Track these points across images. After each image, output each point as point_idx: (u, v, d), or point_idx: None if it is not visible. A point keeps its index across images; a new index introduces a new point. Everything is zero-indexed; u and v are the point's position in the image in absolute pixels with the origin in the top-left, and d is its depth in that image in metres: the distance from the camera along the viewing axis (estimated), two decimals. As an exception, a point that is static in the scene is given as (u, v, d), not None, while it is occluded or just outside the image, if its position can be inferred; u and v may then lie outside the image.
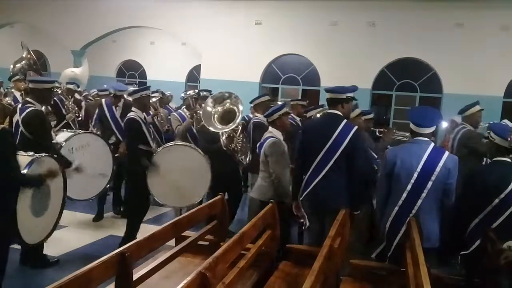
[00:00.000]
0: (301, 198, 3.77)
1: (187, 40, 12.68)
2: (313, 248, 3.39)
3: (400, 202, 3.23)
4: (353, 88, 3.94)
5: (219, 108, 5.04)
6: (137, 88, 5.70)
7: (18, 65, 6.57)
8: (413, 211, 3.18)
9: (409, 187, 3.20)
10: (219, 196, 3.63)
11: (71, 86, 6.97)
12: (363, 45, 10.33)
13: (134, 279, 2.38)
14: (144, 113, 4.97)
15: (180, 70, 14.70)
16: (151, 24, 12.24)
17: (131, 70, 15.81)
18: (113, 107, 5.81)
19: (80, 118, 6.77)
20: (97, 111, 6.06)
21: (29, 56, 6.77)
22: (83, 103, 7.22)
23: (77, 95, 7.32)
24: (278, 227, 3.63)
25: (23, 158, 3.50)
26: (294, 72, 11.61)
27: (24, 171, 3.37)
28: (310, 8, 10.60)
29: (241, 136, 5.19)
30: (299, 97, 11.34)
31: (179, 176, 4.85)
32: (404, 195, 3.22)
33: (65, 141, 4.84)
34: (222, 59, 11.27)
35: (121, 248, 2.34)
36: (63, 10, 12.59)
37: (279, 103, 6.98)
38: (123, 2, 11.81)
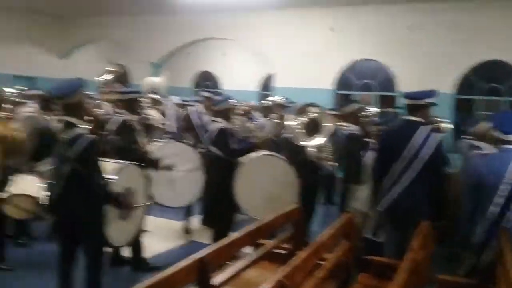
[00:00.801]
0: (380, 208, 3.63)
1: (259, 49, 12.83)
2: (394, 260, 3.24)
3: (490, 215, 3.01)
4: (433, 93, 3.74)
5: (303, 119, 4.92)
6: (221, 98, 5.75)
7: (106, 79, 6.97)
8: (505, 224, 2.95)
9: (499, 199, 2.97)
10: (296, 205, 3.60)
11: (154, 96, 7.26)
12: (443, 47, 9.81)
13: (213, 284, 2.41)
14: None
15: (253, 79, 14.90)
16: (224, 36, 12.54)
17: (205, 81, 16.29)
18: (200, 116, 5.91)
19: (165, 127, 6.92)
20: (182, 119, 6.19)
21: (115, 70, 7.16)
22: (169, 111, 7.42)
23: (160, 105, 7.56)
24: (356, 237, 3.52)
25: (112, 165, 3.70)
26: (369, 77, 11.31)
27: (114, 177, 3.56)
28: (385, 12, 10.28)
29: (329, 144, 5.03)
30: (375, 103, 11.03)
31: (267, 186, 4.82)
32: (494, 207, 2.99)
33: (157, 149, 4.95)
34: (295, 66, 11.26)
35: (200, 254, 2.38)
36: (142, 26, 13.32)
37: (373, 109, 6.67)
38: (196, 16, 12.22)
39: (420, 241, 2.91)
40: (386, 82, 10.99)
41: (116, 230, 3.67)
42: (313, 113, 4.89)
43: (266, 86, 14.74)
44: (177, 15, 12.46)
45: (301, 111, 4.92)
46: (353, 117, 5.34)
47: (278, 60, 11.69)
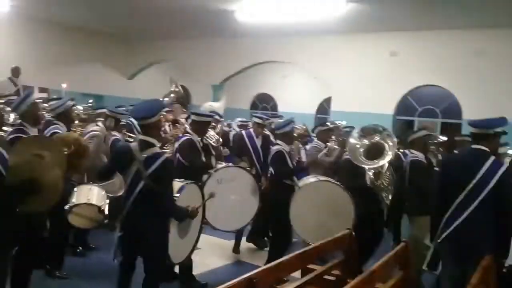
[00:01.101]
0: (439, 240, 3.46)
1: (318, 73, 12.85)
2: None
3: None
4: (504, 122, 3.53)
5: (366, 141, 4.69)
6: (284, 122, 5.63)
7: (167, 98, 7.18)
8: None
9: None
10: (347, 231, 3.52)
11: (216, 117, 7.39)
12: (511, 74, 9.34)
13: (260, 306, 2.39)
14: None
15: (310, 103, 14.92)
16: (284, 59, 12.71)
17: (263, 103, 16.51)
18: (255, 138, 5.87)
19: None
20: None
21: (177, 89, 7.37)
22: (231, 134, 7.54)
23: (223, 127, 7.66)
24: (412, 268, 3.37)
25: (175, 184, 3.84)
26: (432, 104, 10.95)
27: (177, 195, 3.70)
28: (452, 37, 9.98)
29: (388, 172, 4.82)
30: (438, 130, 10.67)
31: (322, 211, 4.79)
32: None
33: (215, 171, 4.98)
34: (353, 90, 11.15)
35: (249, 273, 2.37)
36: (204, 48, 13.78)
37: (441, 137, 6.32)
38: (257, 39, 12.47)
39: (480, 277, 2.73)
40: (450, 109, 10.60)
41: (175, 247, 3.76)
42: (377, 137, 4.70)
43: (323, 109, 14.69)
44: (238, 38, 12.79)
45: (366, 133, 4.74)
46: (420, 145, 5.06)
47: (336, 84, 11.63)
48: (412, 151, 5.05)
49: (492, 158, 3.36)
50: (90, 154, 4.45)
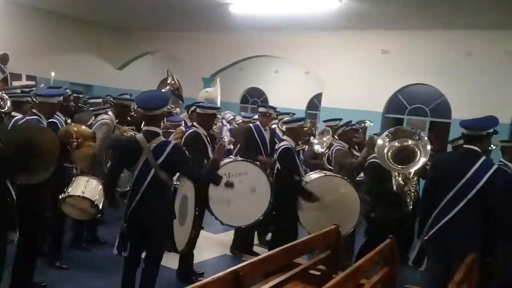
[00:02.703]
0: (425, 237, 3.48)
1: (310, 69, 12.86)
2: (436, 292, 3.10)
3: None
4: (496, 122, 3.54)
5: (396, 144, 4.43)
6: (295, 118, 5.60)
7: (163, 90, 7.13)
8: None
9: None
10: (333, 226, 3.52)
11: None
12: (501, 75, 9.43)
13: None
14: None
15: (301, 98, 14.91)
16: (276, 54, 12.67)
17: (254, 97, 16.48)
18: (263, 130, 5.73)
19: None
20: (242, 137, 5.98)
21: (172, 82, 7.32)
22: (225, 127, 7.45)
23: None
24: (397, 264, 3.39)
25: None
26: (422, 102, 11.02)
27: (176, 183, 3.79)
28: (443, 37, 10.03)
29: (415, 178, 4.69)
30: (427, 129, 10.73)
31: (329, 206, 4.80)
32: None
33: (223, 165, 4.81)
34: (344, 87, 11.18)
35: (235, 267, 2.37)
36: (197, 41, 13.70)
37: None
38: (251, 34, 12.43)
39: (463, 274, 2.76)
40: (440, 108, 10.68)
41: (177, 235, 3.78)
42: (410, 140, 4.41)
43: (314, 105, 14.71)
44: (231, 32, 12.74)
45: (397, 135, 4.48)
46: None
47: (327, 80, 11.66)
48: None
49: (483, 158, 3.39)
50: (97, 141, 4.40)
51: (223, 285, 2.23)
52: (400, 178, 4.37)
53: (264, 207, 4.96)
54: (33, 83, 10.77)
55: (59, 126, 4.33)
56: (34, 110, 4.04)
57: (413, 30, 10.32)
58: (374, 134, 5.53)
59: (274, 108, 6.14)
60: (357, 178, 5.33)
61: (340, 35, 11.26)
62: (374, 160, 4.63)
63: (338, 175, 5.06)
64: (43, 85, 7.76)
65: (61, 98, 4.14)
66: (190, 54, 13.99)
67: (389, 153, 4.37)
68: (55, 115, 4.38)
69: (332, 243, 3.48)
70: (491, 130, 3.48)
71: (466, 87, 9.77)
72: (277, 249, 2.89)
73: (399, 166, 4.26)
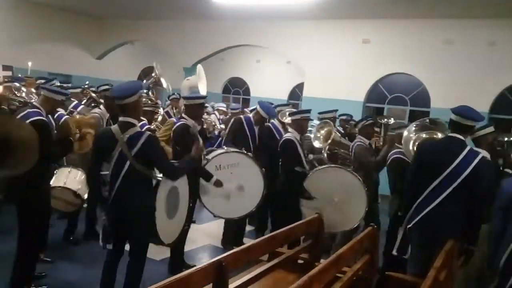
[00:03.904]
0: (409, 226, 3.53)
1: (292, 59, 12.85)
2: (416, 278, 3.16)
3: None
4: (481, 117, 3.57)
5: (423, 135, 4.31)
6: (299, 110, 5.46)
7: (146, 82, 7.12)
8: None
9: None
10: (316, 215, 3.55)
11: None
12: (480, 65, 9.59)
13: (229, 289, 2.40)
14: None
15: (283, 88, 14.94)
16: (258, 43, 12.63)
17: (236, 87, 16.43)
18: (254, 125, 5.54)
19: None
20: (230, 127, 5.76)
21: (155, 75, 7.31)
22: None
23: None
24: (377, 252, 3.45)
25: None
26: (402, 92, 11.14)
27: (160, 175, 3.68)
28: (423, 26, 10.14)
29: None
30: (406, 118, 10.87)
31: (334, 200, 4.70)
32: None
33: (214, 157, 4.80)
34: (325, 77, 11.22)
35: (219, 257, 2.37)
36: (177, 30, 13.54)
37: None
38: (233, 23, 12.34)
39: (443, 260, 2.82)
40: (419, 97, 10.82)
41: (164, 228, 3.74)
42: (439, 133, 4.26)
43: (296, 95, 14.75)
44: (212, 21, 12.63)
45: (424, 128, 4.33)
46: (485, 142, 4.57)
47: (309, 70, 11.67)
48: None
49: (468, 147, 3.42)
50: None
51: (206, 275, 2.24)
52: None
53: (257, 199, 4.91)
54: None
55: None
56: (35, 103, 3.92)
57: (393, 19, 10.40)
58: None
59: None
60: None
61: (321, 24, 11.27)
62: (397, 156, 4.57)
63: (342, 167, 4.87)
64: (20, 75, 7.59)
65: (64, 98, 4.05)
66: (171, 43, 13.83)
67: (416, 146, 4.23)
68: (35, 108, 4.29)
69: (314, 232, 3.52)
70: (477, 124, 3.51)
71: (445, 76, 9.91)
72: (260, 238, 2.91)
73: None
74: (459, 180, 3.31)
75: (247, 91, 16.06)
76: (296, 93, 14.76)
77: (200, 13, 12.01)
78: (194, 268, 2.16)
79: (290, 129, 5.09)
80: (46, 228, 4.54)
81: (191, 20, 13.11)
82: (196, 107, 4.55)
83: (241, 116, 5.79)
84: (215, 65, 15.05)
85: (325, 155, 5.52)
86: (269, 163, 5.34)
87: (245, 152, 5.05)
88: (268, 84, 14.95)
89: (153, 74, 7.30)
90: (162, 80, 7.26)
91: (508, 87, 9.63)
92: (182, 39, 13.49)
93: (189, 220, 4.45)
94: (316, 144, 5.42)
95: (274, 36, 11.93)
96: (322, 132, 5.52)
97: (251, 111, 7.18)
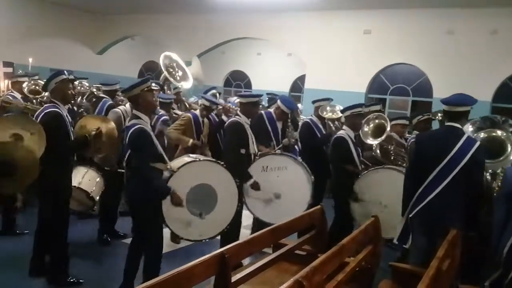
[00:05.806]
0: (410, 215, 3.53)
1: (293, 51, 12.80)
2: (419, 268, 3.16)
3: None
4: (474, 100, 3.59)
5: (482, 135, 4.18)
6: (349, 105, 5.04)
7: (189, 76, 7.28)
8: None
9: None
10: (319, 206, 3.55)
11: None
12: (483, 54, 9.53)
13: (232, 281, 2.41)
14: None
15: (285, 80, 14.89)
16: (259, 36, 12.58)
17: (237, 80, 16.39)
18: (276, 121, 5.31)
19: None
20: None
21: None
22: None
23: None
24: (380, 243, 3.45)
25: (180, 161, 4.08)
26: (404, 82, 11.09)
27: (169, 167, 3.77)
28: (424, 16, 10.07)
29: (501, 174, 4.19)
30: (409, 108, 10.83)
31: (384, 201, 4.51)
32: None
33: (261, 156, 4.70)
34: (327, 68, 11.18)
35: (222, 249, 2.38)
36: (178, 24, 13.49)
37: None
38: (233, 16, 12.29)
39: (446, 250, 2.82)
40: (421, 87, 10.77)
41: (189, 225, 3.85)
42: (498, 131, 4.08)
43: (298, 87, 14.71)
44: (212, 14, 12.57)
45: (485, 125, 4.18)
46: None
47: (311, 62, 11.63)
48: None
49: (466, 135, 3.43)
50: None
51: (209, 267, 2.25)
52: (488, 174, 3.90)
53: (300, 208, 4.50)
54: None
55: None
56: (52, 99, 3.87)
57: (394, 9, 10.33)
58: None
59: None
60: None
61: (322, 15, 11.21)
62: None
63: (394, 167, 4.64)
64: (21, 71, 7.58)
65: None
66: (171, 37, 13.79)
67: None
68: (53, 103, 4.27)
69: (317, 223, 3.52)
70: (470, 108, 3.52)
71: (448, 66, 9.86)
72: (262, 230, 2.91)
73: (487, 160, 3.76)
74: (458, 168, 3.32)
75: (248, 84, 16.02)
76: (298, 85, 14.72)
77: (201, 7, 11.96)
78: (197, 260, 2.17)
79: (344, 127, 4.87)
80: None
81: (191, 14, 13.05)
82: (250, 105, 4.63)
83: (262, 112, 5.46)
84: (216, 58, 15.01)
85: (378, 152, 5.17)
86: (313, 164, 4.99)
87: (295, 156, 4.90)
88: (269, 76, 14.91)
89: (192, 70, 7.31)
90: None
91: (511, 76, 9.58)
92: (182, 33, 13.44)
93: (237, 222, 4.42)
94: (369, 141, 5.10)
95: (275, 28, 11.88)
96: (371, 126, 5.13)
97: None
